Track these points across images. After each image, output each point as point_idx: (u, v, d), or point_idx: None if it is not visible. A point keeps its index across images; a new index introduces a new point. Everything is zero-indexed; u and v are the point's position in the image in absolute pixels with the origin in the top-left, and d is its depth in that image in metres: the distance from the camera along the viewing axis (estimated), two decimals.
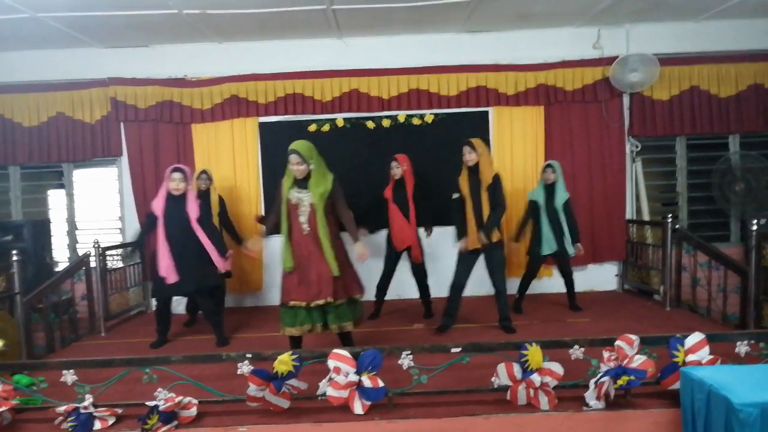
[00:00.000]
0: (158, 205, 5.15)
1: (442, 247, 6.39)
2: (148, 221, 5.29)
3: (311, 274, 4.30)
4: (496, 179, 5.13)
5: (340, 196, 4.45)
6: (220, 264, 5.21)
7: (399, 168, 5.76)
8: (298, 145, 4.35)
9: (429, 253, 6.09)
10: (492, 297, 5.41)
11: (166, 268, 5.06)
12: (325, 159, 4.49)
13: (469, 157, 5.14)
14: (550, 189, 5.87)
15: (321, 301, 4.27)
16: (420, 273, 5.96)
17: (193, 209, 5.16)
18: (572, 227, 5.85)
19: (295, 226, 4.36)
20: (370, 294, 6.13)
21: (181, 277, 5.11)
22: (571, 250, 5.87)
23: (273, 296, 6.99)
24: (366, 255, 4.42)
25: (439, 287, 5.87)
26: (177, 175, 5.12)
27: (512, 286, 6.21)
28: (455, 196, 5.27)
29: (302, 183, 4.35)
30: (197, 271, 5.15)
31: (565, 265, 6.09)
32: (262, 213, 6.68)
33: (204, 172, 6.00)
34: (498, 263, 5.25)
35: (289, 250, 4.36)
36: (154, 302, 6.37)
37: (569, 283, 6.18)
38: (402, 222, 5.73)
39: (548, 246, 5.86)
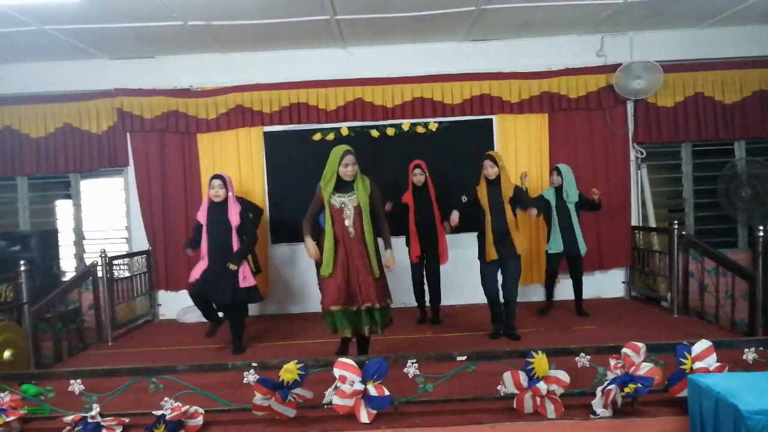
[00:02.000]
0: (202, 213, 5.26)
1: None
2: (195, 232, 5.39)
3: (359, 276, 4.35)
4: (518, 190, 5.31)
5: (378, 198, 4.53)
6: (243, 278, 5.21)
7: (423, 175, 5.93)
8: (348, 147, 4.42)
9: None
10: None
11: (198, 271, 5.19)
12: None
13: (492, 171, 5.23)
14: (558, 191, 6.04)
15: (368, 305, 4.33)
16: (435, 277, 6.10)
17: (234, 218, 5.22)
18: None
19: (341, 229, 4.38)
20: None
21: (218, 286, 5.14)
22: (582, 248, 5.99)
23: (279, 305, 7.02)
24: (392, 265, 4.47)
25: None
26: (216, 182, 5.21)
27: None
28: (464, 198, 5.34)
29: (344, 187, 4.40)
30: (234, 282, 5.18)
31: (576, 268, 6.17)
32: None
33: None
34: (513, 274, 5.34)
35: (332, 256, 4.37)
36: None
37: (577, 287, 6.24)
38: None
39: (556, 245, 6.01)
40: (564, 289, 7.02)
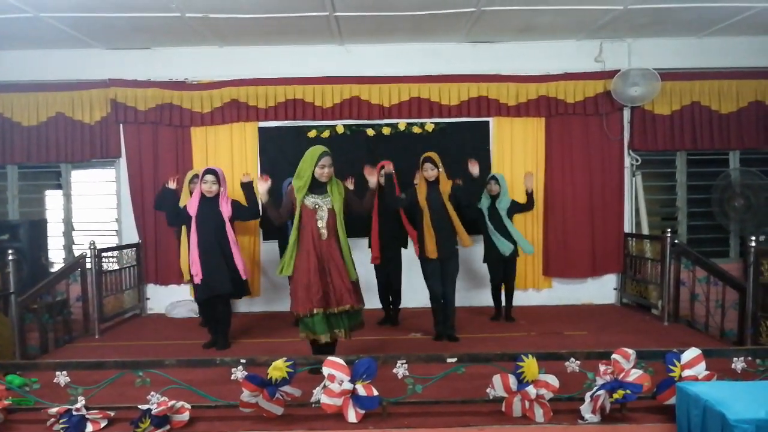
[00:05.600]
0: (193, 207, 5.19)
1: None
2: (178, 211, 5.36)
3: (333, 279, 4.27)
4: (456, 187, 5.38)
5: (352, 196, 4.53)
6: (242, 269, 5.21)
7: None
8: (326, 148, 4.37)
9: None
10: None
11: (198, 270, 5.10)
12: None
13: (431, 173, 5.34)
14: (494, 199, 6.06)
15: (346, 307, 4.26)
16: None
17: (226, 209, 5.19)
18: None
19: (310, 231, 4.30)
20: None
21: (216, 278, 5.10)
22: (528, 248, 6.07)
23: (269, 302, 6.98)
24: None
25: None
26: (209, 177, 5.15)
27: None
28: (403, 195, 5.47)
29: (318, 188, 4.34)
30: (229, 273, 5.15)
31: (510, 271, 6.14)
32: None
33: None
34: (451, 272, 5.38)
35: (293, 257, 4.32)
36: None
37: (509, 290, 6.23)
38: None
39: (506, 247, 5.95)
40: (554, 294, 7.07)
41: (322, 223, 4.30)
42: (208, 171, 5.19)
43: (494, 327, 6.02)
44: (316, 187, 4.34)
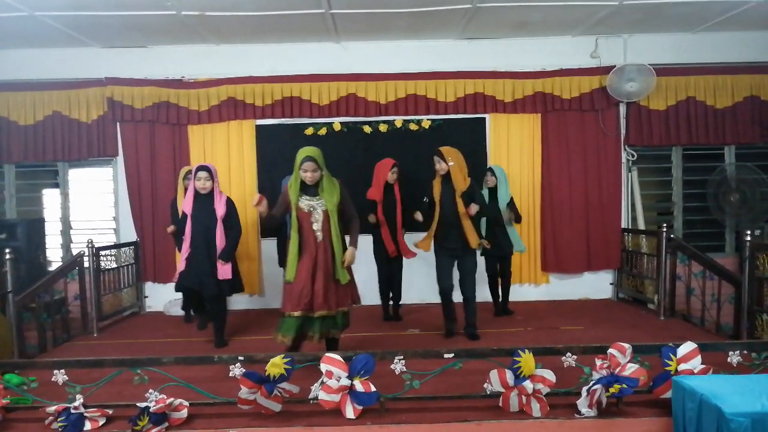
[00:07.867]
0: (188, 205, 5.15)
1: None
2: (181, 222, 5.28)
3: (322, 282, 4.25)
4: (472, 186, 5.26)
5: (349, 200, 4.46)
6: (222, 270, 5.14)
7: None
8: (312, 151, 4.28)
9: None
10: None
11: (182, 264, 5.11)
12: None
13: (439, 167, 5.25)
14: (492, 192, 6.03)
15: (323, 312, 4.25)
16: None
17: (220, 208, 5.16)
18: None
19: (308, 234, 4.29)
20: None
21: (205, 278, 5.07)
22: (518, 246, 6.07)
23: (271, 300, 6.97)
24: (352, 261, 4.38)
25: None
26: (203, 174, 5.11)
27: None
28: (426, 199, 5.39)
29: (311, 190, 4.31)
30: (213, 273, 5.11)
31: (504, 267, 6.17)
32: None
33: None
34: (469, 269, 5.30)
35: (296, 260, 4.28)
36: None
37: (506, 284, 6.26)
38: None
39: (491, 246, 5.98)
40: (551, 290, 7.09)
41: (317, 226, 4.29)
42: (201, 168, 5.17)
43: (492, 322, 6.02)
44: (308, 188, 4.32)
